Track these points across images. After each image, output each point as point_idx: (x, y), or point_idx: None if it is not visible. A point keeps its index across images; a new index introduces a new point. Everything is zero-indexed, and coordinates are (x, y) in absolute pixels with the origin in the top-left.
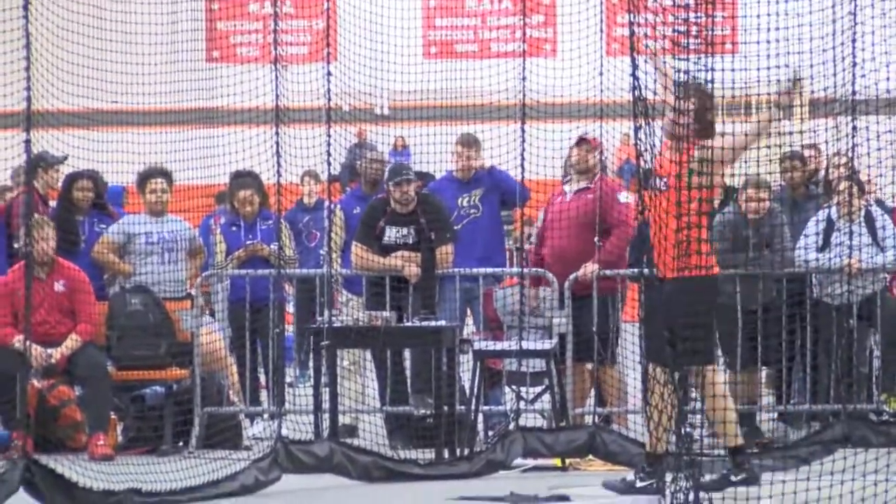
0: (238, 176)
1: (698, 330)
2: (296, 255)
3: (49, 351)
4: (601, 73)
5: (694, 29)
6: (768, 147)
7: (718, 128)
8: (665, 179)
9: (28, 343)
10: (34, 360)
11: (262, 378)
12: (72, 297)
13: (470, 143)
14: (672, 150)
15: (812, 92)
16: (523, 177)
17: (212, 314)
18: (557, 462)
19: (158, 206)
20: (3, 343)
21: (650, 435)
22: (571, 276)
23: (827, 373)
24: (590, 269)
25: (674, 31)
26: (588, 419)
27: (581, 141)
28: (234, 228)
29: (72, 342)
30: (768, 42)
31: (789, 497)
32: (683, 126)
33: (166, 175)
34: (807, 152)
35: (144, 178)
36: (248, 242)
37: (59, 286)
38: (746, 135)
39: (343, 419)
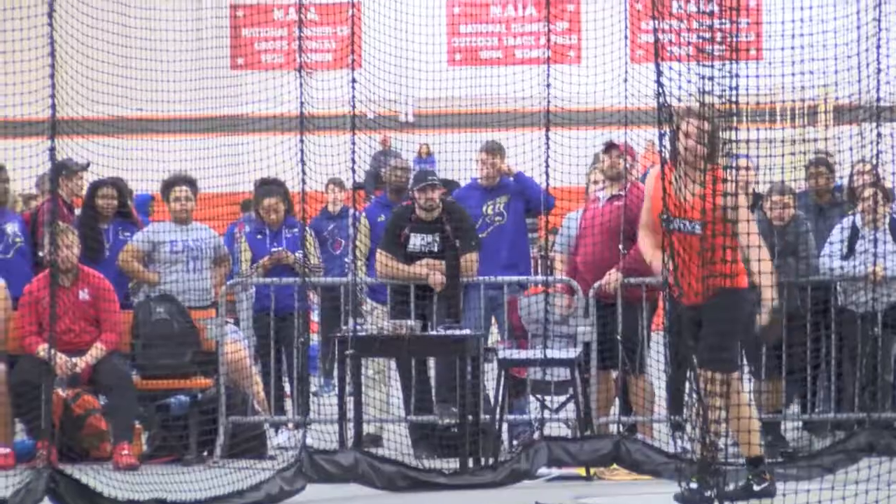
0: (264, 183)
1: (725, 338)
2: (321, 263)
3: (73, 360)
4: (626, 80)
5: (718, 35)
6: (793, 154)
7: (743, 135)
8: (697, 223)
9: (53, 352)
10: (59, 369)
11: (287, 387)
12: (96, 305)
13: (494, 150)
14: (686, 179)
15: (836, 99)
16: (548, 184)
17: (236, 323)
18: (582, 471)
19: (183, 214)
20: (28, 352)
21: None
22: (595, 284)
23: (851, 381)
24: (613, 276)
25: (698, 37)
26: (613, 428)
27: (611, 146)
28: (259, 236)
29: (96, 351)
30: (793, 48)
31: None
32: (701, 148)
33: (191, 183)
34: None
35: (169, 185)
36: (274, 250)
37: (83, 294)
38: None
39: (368, 428)
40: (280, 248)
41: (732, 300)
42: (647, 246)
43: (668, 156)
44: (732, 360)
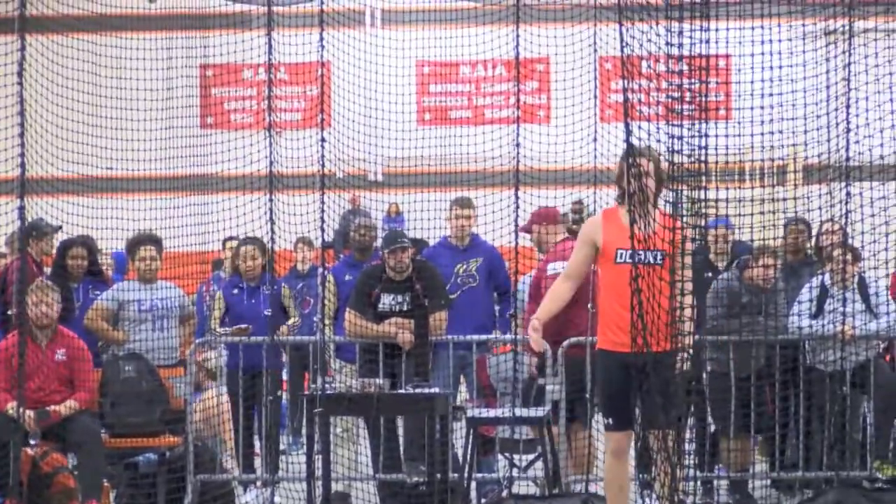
0: (246, 239)
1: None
2: (298, 319)
3: (49, 408)
4: (595, 139)
5: (688, 95)
6: (762, 213)
7: (712, 194)
8: (661, 253)
9: (22, 410)
10: (28, 425)
11: (256, 445)
12: (71, 365)
13: (466, 204)
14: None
15: (806, 158)
16: (517, 242)
17: (213, 378)
18: None
19: (148, 274)
20: None
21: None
22: (565, 343)
23: (820, 439)
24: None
25: (668, 97)
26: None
27: (525, 231)
28: (235, 291)
29: (67, 408)
30: (762, 108)
31: None
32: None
33: (156, 242)
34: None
35: (134, 245)
36: (241, 326)
37: (59, 355)
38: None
39: (336, 486)
40: (244, 326)
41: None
42: (556, 295)
43: (621, 196)
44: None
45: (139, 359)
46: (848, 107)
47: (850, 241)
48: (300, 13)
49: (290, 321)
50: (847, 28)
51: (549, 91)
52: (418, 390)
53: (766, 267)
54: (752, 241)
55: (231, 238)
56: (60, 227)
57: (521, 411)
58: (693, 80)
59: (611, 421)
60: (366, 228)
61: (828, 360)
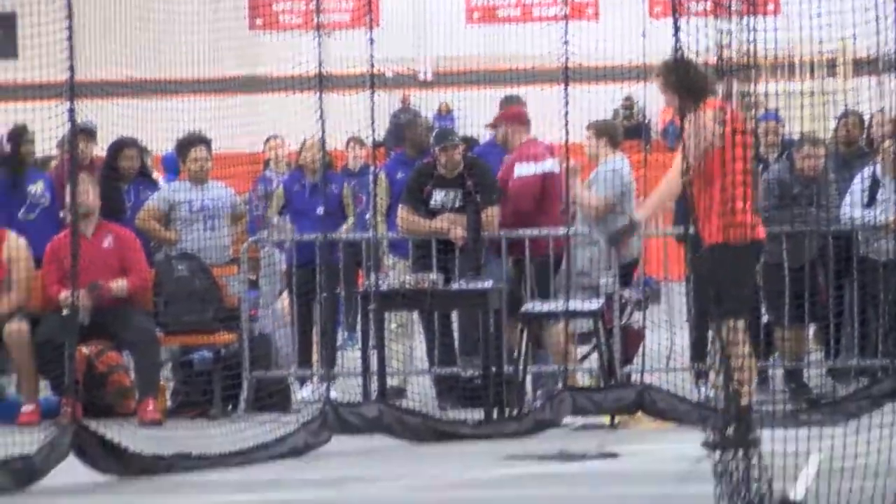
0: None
1: (740, 289)
2: (356, 214)
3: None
4: (644, 36)
5: None
6: (812, 105)
7: (761, 88)
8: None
9: (76, 294)
10: (83, 301)
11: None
12: (121, 254)
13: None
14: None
15: (855, 51)
16: (567, 139)
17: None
18: (606, 419)
19: (201, 174)
20: (52, 300)
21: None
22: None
23: (874, 328)
24: None
25: None
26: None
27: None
28: (297, 187)
29: (118, 288)
30: (810, 2)
31: (839, 451)
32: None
33: (207, 143)
34: None
35: (185, 146)
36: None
37: (107, 242)
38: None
39: (391, 381)
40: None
41: (748, 254)
42: None
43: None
44: (740, 307)
45: (191, 258)
46: None
47: None
48: None
49: (349, 220)
50: None
51: None
52: (472, 285)
53: (810, 157)
54: (801, 133)
55: (273, 137)
56: (94, 131)
57: (575, 304)
58: None
59: None
60: (427, 130)
61: (880, 250)
